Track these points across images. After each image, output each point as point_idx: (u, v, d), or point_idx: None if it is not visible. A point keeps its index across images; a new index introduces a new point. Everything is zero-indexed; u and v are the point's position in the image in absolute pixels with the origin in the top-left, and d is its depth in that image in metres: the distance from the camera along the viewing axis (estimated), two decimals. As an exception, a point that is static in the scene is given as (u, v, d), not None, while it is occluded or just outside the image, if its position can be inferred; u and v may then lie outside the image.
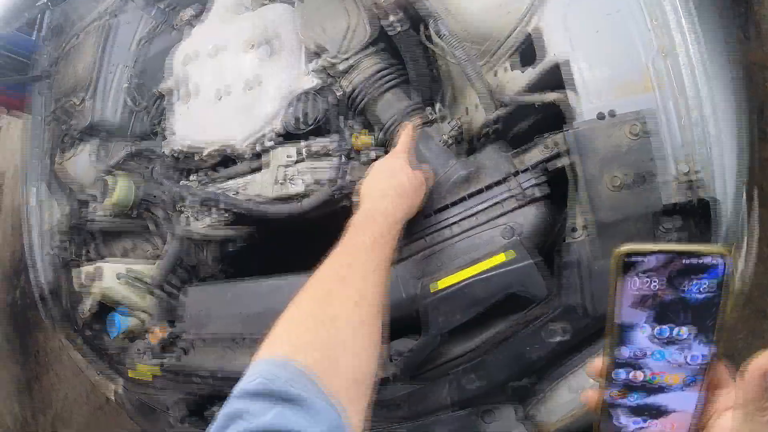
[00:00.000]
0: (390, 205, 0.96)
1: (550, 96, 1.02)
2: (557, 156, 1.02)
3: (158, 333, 1.51)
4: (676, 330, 0.52)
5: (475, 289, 1.00)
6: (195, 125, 1.47)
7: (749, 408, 0.48)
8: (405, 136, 1.12)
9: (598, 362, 0.56)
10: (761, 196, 1.03)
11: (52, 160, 1.99)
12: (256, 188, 1.32)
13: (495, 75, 1.15)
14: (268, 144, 1.30)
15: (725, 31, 1.02)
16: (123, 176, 1.72)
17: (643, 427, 0.55)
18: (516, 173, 1.06)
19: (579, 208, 0.96)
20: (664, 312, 0.52)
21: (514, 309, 1.01)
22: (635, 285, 0.52)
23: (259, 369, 0.65)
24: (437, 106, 1.29)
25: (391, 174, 1.02)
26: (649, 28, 0.92)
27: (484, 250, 1.03)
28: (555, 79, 1.01)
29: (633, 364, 0.54)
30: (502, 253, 1.00)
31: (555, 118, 1.06)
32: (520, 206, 1.04)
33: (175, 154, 1.53)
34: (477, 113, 1.26)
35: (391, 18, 1.20)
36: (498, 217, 1.05)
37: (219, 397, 1.35)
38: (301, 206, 1.24)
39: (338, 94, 1.29)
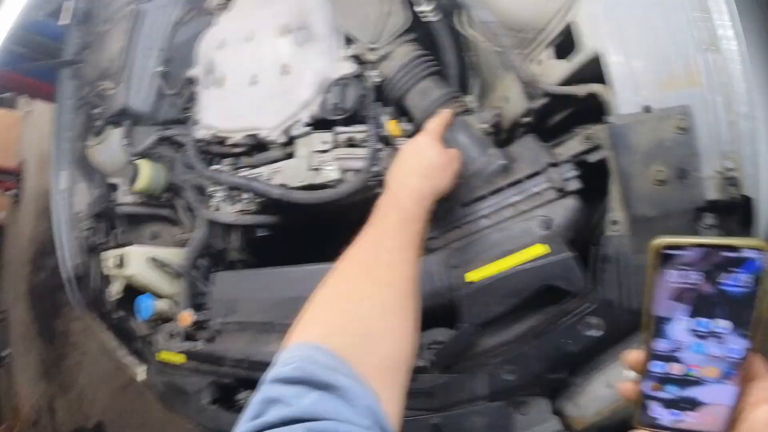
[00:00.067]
0: (416, 183, 0.94)
1: (592, 88, 1.01)
2: (596, 148, 1.01)
3: (187, 317, 1.52)
4: (713, 323, 0.52)
5: (512, 280, 0.99)
6: (227, 110, 1.47)
7: None
8: (437, 119, 1.10)
9: (635, 354, 0.57)
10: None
11: (82, 145, 2.01)
12: (289, 174, 1.31)
13: (535, 65, 1.14)
14: (302, 130, 1.30)
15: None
16: (152, 161, 1.74)
17: (680, 420, 0.55)
18: (555, 164, 1.05)
19: (620, 202, 0.94)
20: (701, 305, 0.52)
21: (549, 301, 1.00)
22: (672, 278, 0.52)
23: (292, 354, 0.64)
24: (470, 96, 1.29)
25: (416, 153, 1.01)
26: (693, 21, 0.90)
27: (522, 241, 1.02)
28: (593, 71, 0.99)
29: (670, 357, 0.54)
30: (540, 245, 1.00)
31: (589, 111, 1.05)
32: (559, 198, 1.04)
33: (206, 140, 1.52)
34: (508, 104, 1.25)
35: (425, 6, 1.18)
36: (536, 208, 1.05)
37: (248, 383, 1.36)
38: (335, 193, 1.24)
39: (374, 81, 1.28)
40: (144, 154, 1.75)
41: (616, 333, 0.96)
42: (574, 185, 1.03)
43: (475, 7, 1.12)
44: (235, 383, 1.43)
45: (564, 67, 1.07)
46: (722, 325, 0.52)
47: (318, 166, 1.26)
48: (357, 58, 1.31)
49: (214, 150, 1.55)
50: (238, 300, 1.41)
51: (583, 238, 1.05)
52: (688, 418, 0.55)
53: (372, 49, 1.27)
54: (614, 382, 0.98)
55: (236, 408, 1.42)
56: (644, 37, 0.94)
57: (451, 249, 1.08)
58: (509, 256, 1.00)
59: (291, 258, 1.40)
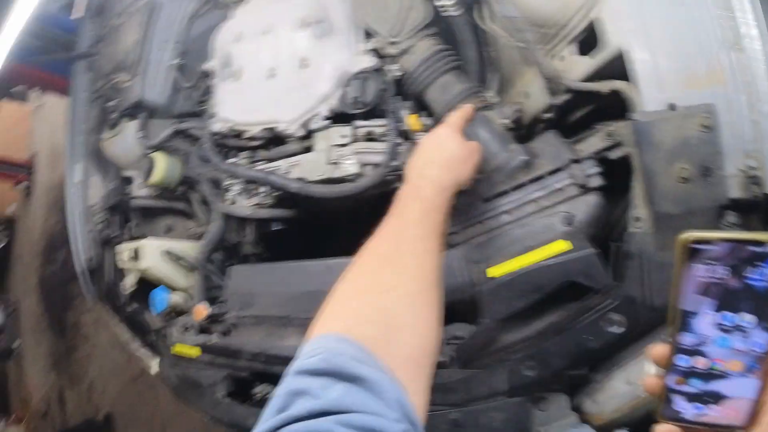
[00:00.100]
0: (437, 174, 0.93)
1: (615, 84, 1.01)
2: (618, 145, 1.01)
3: (201, 311, 1.52)
4: (738, 317, 0.52)
5: (534, 276, 0.99)
6: (244, 104, 1.46)
7: None
8: (457, 112, 1.10)
9: (659, 348, 0.57)
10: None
11: (96, 138, 2.02)
12: (307, 168, 1.31)
13: (557, 61, 1.14)
14: (321, 124, 1.29)
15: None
16: (167, 154, 1.74)
17: (703, 413, 0.56)
18: (577, 161, 1.04)
19: (644, 199, 0.94)
20: (727, 299, 0.52)
21: (571, 298, 1.00)
22: (699, 272, 0.52)
23: (317, 345, 0.63)
24: (490, 91, 1.28)
25: (437, 144, 1.00)
26: (717, 20, 0.90)
27: (543, 237, 1.02)
28: (616, 68, 0.99)
29: (695, 351, 0.55)
30: (562, 241, 0.99)
31: (609, 108, 1.05)
32: (581, 194, 1.03)
33: (223, 133, 1.52)
34: (528, 100, 1.25)
35: (446, 0, 1.17)
36: (558, 204, 1.05)
37: (264, 377, 1.36)
38: (354, 187, 1.23)
39: (394, 75, 1.27)
40: (159, 147, 1.75)
41: (637, 330, 0.95)
42: (596, 182, 1.03)
43: (498, 1, 1.11)
44: (250, 377, 1.43)
45: (587, 64, 1.07)
46: (747, 319, 0.52)
47: (337, 160, 1.25)
48: (377, 52, 1.30)
49: (230, 143, 1.54)
50: (254, 294, 1.41)
51: (603, 234, 1.05)
52: (712, 412, 0.55)
53: (392, 43, 1.27)
54: (634, 379, 0.98)
55: (252, 402, 1.42)
56: (668, 34, 0.93)
57: (472, 244, 1.08)
58: (531, 252, 1.00)
59: (305, 253, 1.40)
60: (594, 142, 1.07)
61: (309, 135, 1.35)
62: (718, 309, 0.53)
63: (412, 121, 1.23)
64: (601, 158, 1.05)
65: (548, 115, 1.22)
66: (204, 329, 1.56)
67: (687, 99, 0.90)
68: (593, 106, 1.21)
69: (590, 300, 0.97)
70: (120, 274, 1.86)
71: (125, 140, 1.83)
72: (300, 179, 1.31)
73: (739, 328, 0.52)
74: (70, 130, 2.27)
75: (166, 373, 1.75)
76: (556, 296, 1.00)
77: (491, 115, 1.19)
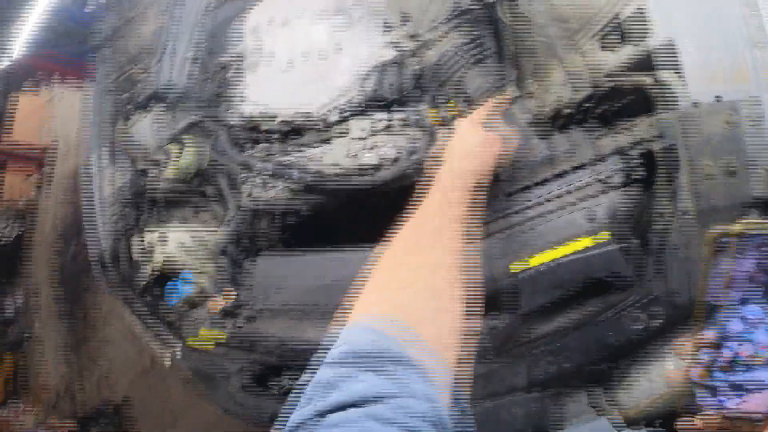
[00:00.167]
0: (458, 164, 0.94)
1: (640, 80, 1.00)
2: (644, 141, 1.00)
3: (218, 302, 1.52)
4: (764, 310, 0.53)
5: (558, 272, 0.99)
6: (265, 94, 1.46)
7: None
8: (481, 107, 1.11)
9: (684, 341, 0.58)
10: None
11: (114, 128, 2.02)
12: (330, 159, 1.30)
13: (581, 56, 1.11)
14: (343, 115, 1.29)
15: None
16: (187, 144, 1.73)
17: (725, 406, 0.56)
18: (602, 157, 1.04)
19: (670, 195, 0.94)
20: (753, 293, 0.53)
21: (595, 293, 0.99)
22: (727, 266, 0.53)
23: (350, 335, 0.63)
24: (512, 86, 1.26)
25: (459, 135, 1.02)
26: (743, 18, 0.90)
27: (569, 232, 1.01)
28: (641, 64, 0.99)
29: (719, 344, 0.56)
30: (589, 237, 0.99)
31: (635, 103, 1.04)
32: (606, 191, 1.02)
33: (243, 123, 1.51)
34: (549, 95, 1.23)
35: None
36: (583, 200, 1.04)
37: (286, 368, 1.36)
38: (373, 180, 1.23)
39: (418, 66, 1.26)
40: (176, 138, 1.74)
41: (660, 327, 0.95)
42: (623, 178, 1.02)
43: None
44: (267, 369, 1.43)
45: (610, 59, 1.06)
46: None
47: (356, 152, 1.24)
48: (398, 45, 1.29)
49: (247, 135, 1.54)
50: (273, 285, 1.41)
51: (627, 231, 1.03)
52: (734, 405, 0.56)
53: (413, 36, 1.26)
54: (655, 375, 0.97)
55: (268, 394, 1.42)
56: (695, 32, 0.93)
57: (494, 240, 1.07)
58: (559, 248, 1.00)
59: (322, 245, 1.39)
60: (617, 138, 1.06)
61: (328, 127, 1.34)
62: (744, 302, 0.54)
63: (432, 114, 1.22)
64: (624, 155, 1.04)
65: (570, 111, 1.20)
66: (220, 321, 1.56)
67: (712, 96, 0.90)
68: (616, 102, 1.19)
69: (613, 296, 0.97)
70: (136, 264, 1.86)
71: (142, 131, 1.84)
72: (318, 172, 1.30)
73: (764, 322, 0.53)
74: (87, 121, 2.28)
75: (180, 364, 1.75)
76: (578, 292, 0.99)
77: (513, 110, 1.18)
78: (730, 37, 0.90)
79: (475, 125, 1.04)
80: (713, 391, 0.56)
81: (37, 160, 7.35)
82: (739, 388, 0.55)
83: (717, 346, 0.56)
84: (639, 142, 1.01)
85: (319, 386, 0.56)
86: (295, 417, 0.53)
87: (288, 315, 1.36)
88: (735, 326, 0.54)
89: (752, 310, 0.53)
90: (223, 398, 1.52)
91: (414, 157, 1.21)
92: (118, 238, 1.93)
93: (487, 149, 1.01)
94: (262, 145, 1.51)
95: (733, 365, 0.55)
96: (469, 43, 1.25)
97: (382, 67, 1.27)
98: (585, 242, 0.98)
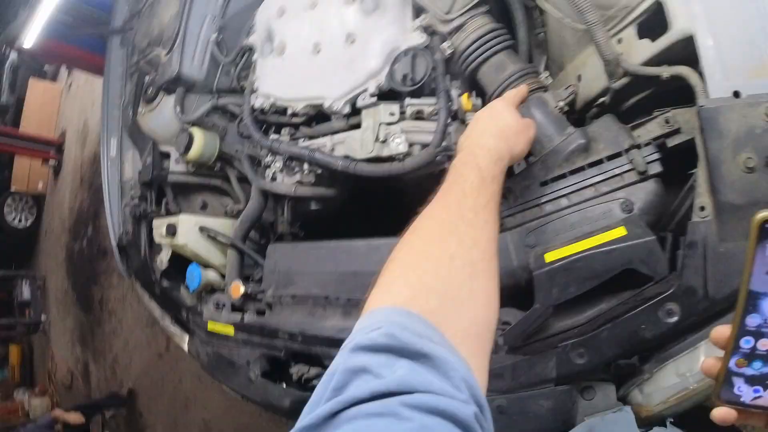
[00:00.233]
0: (493, 143, 0.91)
1: (678, 70, 0.97)
2: (676, 132, 0.98)
3: (238, 288, 1.51)
4: None
5: (593, 261, 0.96)
6: (288, 79, 1.43)
7: None
8: (514, 90, 1.09)
9: (723, 329, 0.57)
10: None
11: (134, 112, 2.01)
12: (354, 146, 1.27)
13: (617, 44, 1.10)
14: (368, 101, 1.26)
15: None
16: (205, 130, 1.72)
17: (760, 396, 0.56)
18: (638, 146, 1.01)
19: (708, 188, 0.91)
20: None
21: (626, 285, 0.97)
22: None
23: (377, 319, 0.59)
24: (545, 73, 1.24)
25: (492, 116, 0.99)
26: None
27: (602, 222, 0.99)
28: (677, 53, 0.97)
29: (760, 333, 0.55)
30: (622, 227, 0.96)
31: (668, 94, 1.02)
32: (640, 180, 1.00)
33: (265, 108, 1.49)
34: (580, 83, 1.21)
35: None
36: (617, 189, 1.01)
37: (306, 355, 1.35)
38: (402, 167, 1.20)
39: (445, 53, 1.23)
40: (197, 123, 1.73)
41: (693, 321, 0.93)
42: (657, 168, 1.00)
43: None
44: (285, 357, 1.41)
45: (648, 47, 1.04)
46: None
47: (385, 138, 1.22)
48: (428, 29, 1.26)
49: (271, 119, 1.52)
50: (293, 272, 1.39)
51: (659, 223, 1.02)
52: None
53: (444, 21, 1.22)
54: (686, 371, 0.95)
55: (288, 382, 1.41)
56: (734, 22, 0.91)
57: (527, 228, 1.05)
58: (591, 238, 0.97)
59: (343, 234, 1.38)
60: (651, 128, 1.03)
61: (355, 112, 1.32)
62: None
63: (464, 100, 1.19)
64: (659, 145, 1.01)
65: (603, 99, 1.18)
66: (238, 307, 1.55)
67: (753, 88, 0.88)
68: (649, 92, 1.16)
69: (647, 288, 0.94)
70: (156, 248, 1.86)
71: (162, 115, 1.82)
72: (346, 157, 1.28)
73: None
74: (105, 105, 2.27)
75: (197, 350, 1.75)
76: (610, 283, 0.97)
77: (546, 97, 1.15)
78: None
79: (509, 107, 1.01)
80: (751, 380, 0.56)
81: (54, 145, 7.42)
82: None
83: (759, 334, 0.54)
84: (671, 133, 0.99)
85: (342, 373, 0.52)
86: (329, 406, 0.48)
87: (309, 302, 1.34)
88: None
89: None
90: (243, 384, 1.52)
91: (444, 143, 1.18)
92: (137, 222, 1.92)
93: (523, 131, 0.99)
94: (287, 129, 1.49)
95: None
96: (500, 28, 1.23)
97: (413, 52, 1.24)
98: (620, 232, 0.96)
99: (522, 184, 1.06)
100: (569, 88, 1.18)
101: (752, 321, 0.54)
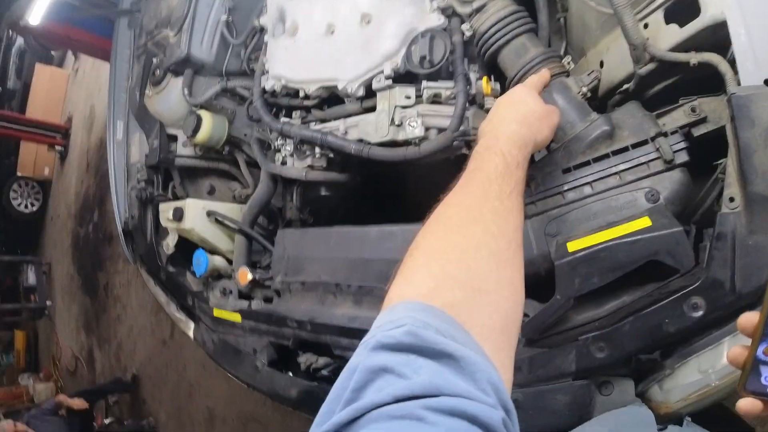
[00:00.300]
0: (517, 129, 0.88)
1: (708, 56, 0.94)
2: (703, 121, 0.95)
3: (245, 275, 1.48)
4: None
5: (616, 252, 0.92)
6: (300, 60, 1.39)
7: None
8: (536, 75, 1.06)
9: (752, 316, 0.56)
10: None
11: (141, 94, 1.98)
12: (368, 129, 1.24)
13: (644, 28, 1.06)
14: (383, 83, 1.22)
15: None
16: (214, 113, 1.69)
17: None
18: (663, 134, 0.97)
19: (738, 178, 0.88)
20: None
21: (650, 277, 0.93)
22: None
23: (400, 314, 0.55)
24: (568, 57, 1.20)
25: (515, 101, 0.96)
26: None
27: (627, 212, 0.95)
28: (708, 39, 0.94)
29: None
30: (647, 217, 0.93)
31: (688, 83, 1.00)
32: (667, 170, 0.96)
33: (276, 90, 1.45)
34: (612, 68, 1.17)
35: None
36: (642, 178, 0.98)
37: (313, 345, 1.32)
38: (418, 152, 1.16)
39: (464, 35, 1.19)
40: (205, 106, 1.70)
41: (718, 316, 0.89)
42: (684, 157, 0.96)
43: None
44: (293, 346, 1.39)
45: (675, 33, 1.00)
46: None
47: (400, 121, 1.18)
48: (446, 10, 1.22)
49: (281, 102, 1.48)
50: (303, 259, 1.36)
51: (684, 214, 0.99)
52: None
53: (464, 1, 1.18)
54: (708, 367, 0.92)
55: (295, 371, 1.38)
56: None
57: (549, 216, 1.01)
58: (615, 227, 0.94)
59: (352, 221, 1.35)
60: (676, 116, 0.99)
61: (369, 95, 1.28)
62: None
63: (483, 84, 1.15)
64: (685, 134, 0.98)
65: (628, 86, 1.13)
66: (247, 294, 1.52)
67: None
68: (675, 80, 1.12)
69: (672, 281, 0.91)
70: (160, 234, 1.83)
71: (170, 97, 1.79)
72: (360, 141, 1.24)
73: None
74: (112, 88, 2.24)
75: (202, 337, 1.73)
76: (633, 275, 0.93)
77: (568, 82, 1.11)
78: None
79: (531, 93, 0.98)
80: None
81: (60, 131, 7.41)
82: None
83: None
84: (698, 122, 0.96)
85: (363, 372, 0.49)
86: (348, 412, 0.45)
87: (319, 289, 1.31)
88: None
89: None
90: (249, 373, 1.49)
91: (462, 128, 1.14)
92: (143, 206, 1.89)
93: (546, 117, 0.96)
94: (298, 112, 1.46)
95: None
96: (521, 10, 1.18)
97: (430, 34, 1.19)
98: (644, 222, 0.93)
99: (544, 171, 1.03)
100: (592, 73, 1.15)
101: None
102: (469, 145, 1.16)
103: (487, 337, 0.57)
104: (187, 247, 1.73)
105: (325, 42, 1.34)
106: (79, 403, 4.18)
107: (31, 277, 7.22)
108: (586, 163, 1.01)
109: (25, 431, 3.66)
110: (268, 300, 1.46)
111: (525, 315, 1.01)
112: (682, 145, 0.97)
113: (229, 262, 1.65)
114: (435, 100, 1.19)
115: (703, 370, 0.93)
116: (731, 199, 0.88)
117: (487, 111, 1.17)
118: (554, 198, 1.01)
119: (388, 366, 0.49)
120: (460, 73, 1.16)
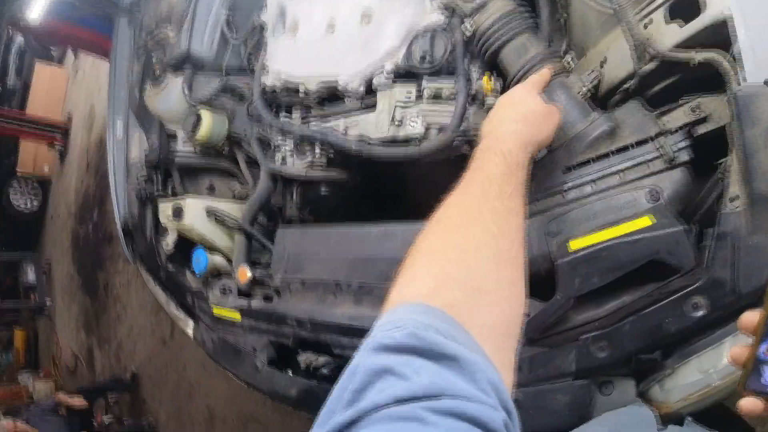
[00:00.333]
0: (518, 128, 0.88)
1: (711, 54, 0.93)
2: (704, 120, 0.95)
3: (245, 273, 1.48)
4: None
5: (617, 251, 0.93)
6: (301, 58, 1.39)
7: None
8: (537, 74, 1.05)
9: (753, 315, 0.57)
10: None
11: (141, 92, 1.97)
12: (368, 127, 1.24)
13: (645, 27, 1.05)
14: (384, 80, 1.22)
15: None
16: (214, 110, 1.68)
17: None
18: (664, 133, 0.98)
19: (741, 177, 0.87)
20: None
21: (650, 277, 0.93)
22: None
23: (401, 316, 0.56)
24: (569, 56, 1.19)
25: (516, 101, 0.96)
26: None
27: (628, 212, 0.95)
28: (709, 38, 0.93)
29: None
30: (648, 216, 0.93)
31: (688, 83, 1.00)
32: (668, 169, 0.96)
33: (276, 87, 1.45)
34: (613, 67, 1.16)
35: None
36: (644, 177, 0.98)
37: (313, 344, 1.32)
38: (418, 150, 1.16)
39: (465, 33, 1.19)
40: (205, 103, 1.69)
41: (719, 316, 0.89)
42: (685, 156, 0.96)
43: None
44: (293, 345, 1.38)
45: (677, 32, 1.00)
46: None
47: (401, 120, 1.18)
48: (447, 8, 1.22)
49: (282, 100, 1.48)
50: (303, 257, 1.36)
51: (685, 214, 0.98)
52: None
53: (465, 0, 1.18)
54: (709, 367, 0.92)
55: (295, 371, 1.38)
56: None
57: (550, 215, 1.01)
58: (616, 227, 0.94)
59: (351, 220, 1.34)
60: (677, 116, 1.00)
61: (369, 93, 1.28)
62: None
63: (484, 82, 1.15)
64: (687, 133, 0.98)
65: (629, 84, 1.13)
66: (246, 292, 1.52)
67: None
68: (675, 79, 1.12)
69: (673, 281, 0.91)
70: (162, 230, 1.83)
71: (170, 95, 1.79)
72: (360, 139, 1.24)
73: None
74: (112, 86, 2.24)
75: (202, 336, 1.72)
76: (633, 275, 0.94)
77: (570, 81, 1.11)
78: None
79: (532, 92, 0.98)
80: None
81: (60, 130, 7.41)
82: None
83: None
84: (698, 121, 0.96)
85: (364, 374, 0.49)
86: (350, 414, 0.45)
87: (319, 288, 1.31)
88: None
89: None
90: (249, 372, 1.49)
91: (463, 126, 1.14)
92: (143, 205, 1.89)
93: (547, 119, 0.96)
94: (299, 110, 1.45)
95: None
96: (523, 9, 1.18)
97: (432, 31, 1.19)
98: (646, 221, 0.93)
99: (544, 170, 1.03)
100: (593, 72, 1.14)
101: None
102: (470, 143, 1.16)
103: (487, 337, 0.57)
104: (186, 246, 1.73)
105: (326, 40, 1.34)
106: (78, 402, 4.18)
107: (30, 276, 7.23)
108: (587, 163, 1.01)
109: (26, 430, 3.66)
110: (267, 298, 1.46)
111: (525, 315, 1.01)
112: (683, 144, 0.96)
113: (229, 260, 1.65)
114: (436, 98, 1.19)
115: (704, 370, 0.93)
116: (732, 199, 0.88)
117: (489, 109, 1.17)
118: (555, 197, 1.02)
119: (389, 367, 0.49)
120: (460, 72, 1.15)
